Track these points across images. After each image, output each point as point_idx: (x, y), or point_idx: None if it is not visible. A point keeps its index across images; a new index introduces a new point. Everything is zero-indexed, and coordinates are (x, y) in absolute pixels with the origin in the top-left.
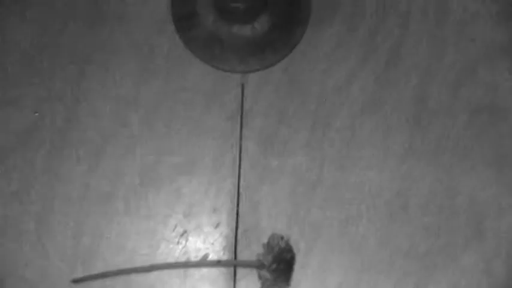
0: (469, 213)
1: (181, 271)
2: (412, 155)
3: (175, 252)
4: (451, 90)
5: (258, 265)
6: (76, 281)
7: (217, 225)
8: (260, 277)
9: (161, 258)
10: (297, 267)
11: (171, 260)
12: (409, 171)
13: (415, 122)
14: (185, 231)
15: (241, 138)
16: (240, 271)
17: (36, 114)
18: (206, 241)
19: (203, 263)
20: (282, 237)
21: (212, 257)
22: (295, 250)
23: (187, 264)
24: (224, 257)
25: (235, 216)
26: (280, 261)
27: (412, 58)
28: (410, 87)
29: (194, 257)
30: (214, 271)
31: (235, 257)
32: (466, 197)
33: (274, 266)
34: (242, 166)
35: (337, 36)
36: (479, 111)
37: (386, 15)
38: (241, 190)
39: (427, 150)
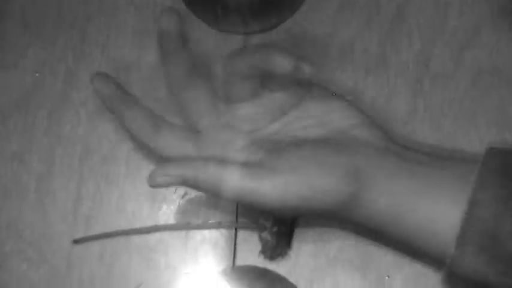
0: None
1: (182, 233)
2: (415, 119)
3: (176, 214)
4: (454, 54)
5: (259, 227)
6: (77, 241)
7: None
8: (261, 239)
9: (162, 220)
10: (297, 230)
11: (172, 222)
12: (411, 135)
13: (418, 86)
14: (186, 193)
15: None
16: (241, 234)
17: (37, 74)
18: (207, 203)
19: (204, 224)
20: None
21: (213, 219)
22: None
23: (188, 226)
24: (225, 220)
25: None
26: (281, 224)
27: (416, 20)
28: (414, 50)
29: (195, 219)
30: (215, 234)
31: (237, 220)
32: None
33: (275, 228)
34: None
35: None
36: (482, 74)
37: None
38: None
39: (430, 114)
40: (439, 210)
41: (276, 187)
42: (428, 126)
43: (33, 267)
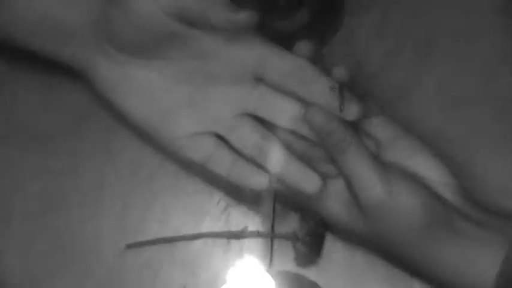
0: None
1: (224, 242)
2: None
3: (218, 225)
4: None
5: (293, 237)
6: (130, 246)
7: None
8: (295, 248)
9: (205, 229)
10: (328, 240)
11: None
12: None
13: (441, 111)
14: (227, 206)
15: None
16: (277, 243)
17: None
18: (246, 215)
19: (243, 233)
20: (315, 213)
21: (252, 229)
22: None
23: (229, 234)
24: (262, 229)
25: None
26: (313, 234)
27: (445, 47)
28: (440, 77)
29: (235, 228)
30: (253, 243)
31: (273, 230)
32: None
33: (307, 239)
34: None
35: (373, 23)
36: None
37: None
38: None
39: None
40: (479, 263)
41: None
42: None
43: (80, 278)
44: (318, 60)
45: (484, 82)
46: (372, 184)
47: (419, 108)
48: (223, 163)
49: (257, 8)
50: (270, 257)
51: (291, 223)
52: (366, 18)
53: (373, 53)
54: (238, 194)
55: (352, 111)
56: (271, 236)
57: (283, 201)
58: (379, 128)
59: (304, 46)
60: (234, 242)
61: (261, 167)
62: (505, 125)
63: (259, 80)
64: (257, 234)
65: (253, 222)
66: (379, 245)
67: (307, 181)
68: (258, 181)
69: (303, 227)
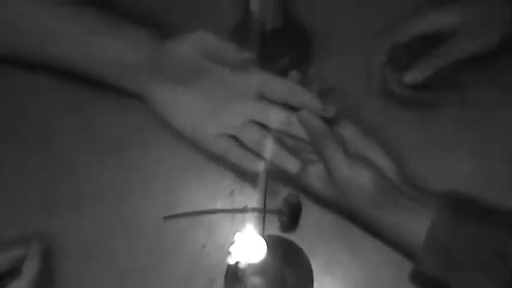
0: None
1: (231, 216)
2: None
3: (227, 204)
4: None
5: (279, 212)
6: (167, 218)
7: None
8: (279, 220)
9: (219, 207)
10: (303, 214)
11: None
12: None
13: (385, 117)
14: (233, 190)
15: None
16: (267, 216)
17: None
18: (247, 198)
19: (245, 209)
20: (295, 195)
21: (250, 207)
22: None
23: (235, 210)
24: (258, 207)
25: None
26: (292, 210)
27: None
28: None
29: (239, 206)
30: (252, 217)
31: (265, 207)
32: None
33: (288, 213)
34: None
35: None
36: None
37: None
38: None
39: None
40: (415, 227)
41: None
42: None
43: (131, 241)
44: (302, 82)
45: None
46: (340, 166)
47: (369, 114)
48: (234, 154)
49: (256, 51)
50: (263, 226)
51: (278, 202)
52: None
53: (331, 77)
54: (244, 175)
55: (330, 110)
56: (263, 212)
57: (275, 180)
58: (345, 128)
59: (294, 74)
60: (238, 216)
61: (259, 156)
62: (430, 127)
63: (260, 97)
64: (254, 210)
65: (251, 202)
66: (345, 210)
67: (290, 164)
68: (257, 165)
69: (285, 205)
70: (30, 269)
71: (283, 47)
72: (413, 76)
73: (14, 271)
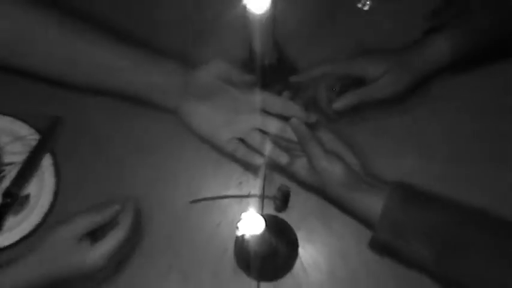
0: None
1: (239, 200)
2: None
3: (236, 192)
4: None
5: (274, 198)
6: (192, 201)
7: (256, 179)
8: (274, 203)
9: (230, 194)
10: (291, 199)
11: (234, 194)
12: None
13: (351, 125)
14: (241, 182)
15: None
16: (266, 201)
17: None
18: (250, 187)
19: (249, 196)
20: (286, 185)
21: (253, 193)
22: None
23: (241, 196)
24: (258, 194)
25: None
26: (283, 196)
27: None
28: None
29: (245, 193)
30: (254, 201)
31: (263, 194)
32: None
33: (280, 198)
34: None
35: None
36: None
37: None
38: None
39: None
40: (373, 207)
41: None
42: None
43: (162, 221)
44: (291, 99)
45: None
46: (319, 159)
47: (341, 125)
48: (242, 152)
49: (259, 79)
50: (262, 207)
51: (273, 190)
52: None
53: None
54: (248, 168)
55: (312, 118)
56: (262, 197)
57: (272, 171)
58: (322, 133)
59: (286, 94)
60: (244, 200)
61: (260, 153)
62: (382, 136)
63: (261, 110)
64: (256, 196)
65: (254, 190)
66: (324, 193)
67: (282, 158)
68: (258, 160)
69: (279, 193)
70: (126, 219)
71: (277, 76)
72: (337, 105)
73: (113, 223)
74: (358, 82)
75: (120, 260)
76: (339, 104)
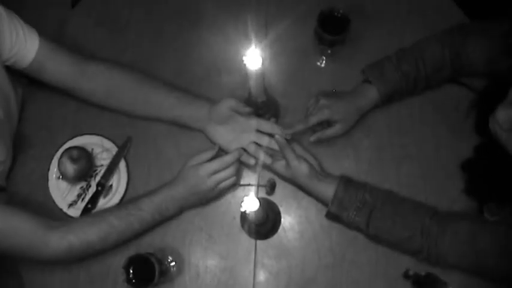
0: None
1: (242, 188)
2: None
3: (240, 183)
4: None
5: (265, 186)
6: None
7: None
8: (265, 190)
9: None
10: (278, 186)
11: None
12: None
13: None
14: (244, 177)
15: None
16: (260, 188)
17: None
18: (249, 179)
19: (247, 185)
20: (273, 178)
21: (251, 183)
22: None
23: (243, 186)
24: (254, 183)
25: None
26: (271, 185)
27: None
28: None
29: (246, 183)
30: (252, 188)
31: (258, 183)
32: None
33: (270, 187)
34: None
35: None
36: None
37: None
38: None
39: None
40: (327, 191)
41: None
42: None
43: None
44: (276, 123)
45: None
46: (292, 161)
47: (306, 142)
48: (244, 157)
49: (254, 110)
50: (257, 192)
51: (265, 180)
52: (289, 116)
53: (293, 121)
54: (248, 167)
55: (288, 135)
56: (257, 186)
57: (264, 169)
58: (295, 144)
59: (272, 120)
60: (246, 188)
61: (255, 157)
62: (330, 148)
63: (257, 130)
64: (254, 185)
65: (252, 181)
66: (296, 183)
67: (267, 160)
68: (252, 161)
69: (268, 183)
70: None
71: (267, 109)
72: (311, 138)
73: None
74: (327, 122)
75: (222, 189)
76: (312, 138)
